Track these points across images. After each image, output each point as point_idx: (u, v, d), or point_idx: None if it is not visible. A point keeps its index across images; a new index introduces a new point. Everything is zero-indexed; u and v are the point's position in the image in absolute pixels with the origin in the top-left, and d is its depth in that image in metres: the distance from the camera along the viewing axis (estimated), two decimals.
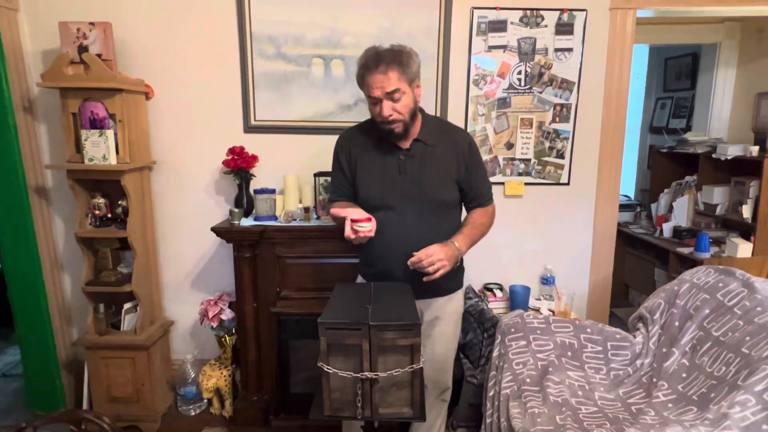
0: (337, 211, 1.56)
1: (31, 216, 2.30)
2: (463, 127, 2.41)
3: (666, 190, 3.56)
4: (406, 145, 1.63)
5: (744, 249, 2.74)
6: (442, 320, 1.72)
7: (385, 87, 1.49)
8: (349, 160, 1.69)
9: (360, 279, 1.81)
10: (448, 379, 1.82)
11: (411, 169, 1.62)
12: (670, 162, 3.68)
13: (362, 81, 1.54)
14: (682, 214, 3.32)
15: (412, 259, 1.50)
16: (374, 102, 1.53)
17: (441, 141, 1.64)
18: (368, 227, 1.50)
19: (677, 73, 3.98)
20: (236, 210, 2.17)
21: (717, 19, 3.20)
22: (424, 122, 1.65)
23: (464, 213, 1.76)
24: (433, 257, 1.48)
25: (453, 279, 1.73)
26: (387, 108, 1.50)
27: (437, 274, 1.50)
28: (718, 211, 3.07)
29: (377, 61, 1.49)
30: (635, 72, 4.20)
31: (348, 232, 1.49)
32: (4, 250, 2.32)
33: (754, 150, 2.81)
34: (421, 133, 1.63)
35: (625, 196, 4.18)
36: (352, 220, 1.49)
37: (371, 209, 1.60)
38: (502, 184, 2.48)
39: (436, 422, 1.85)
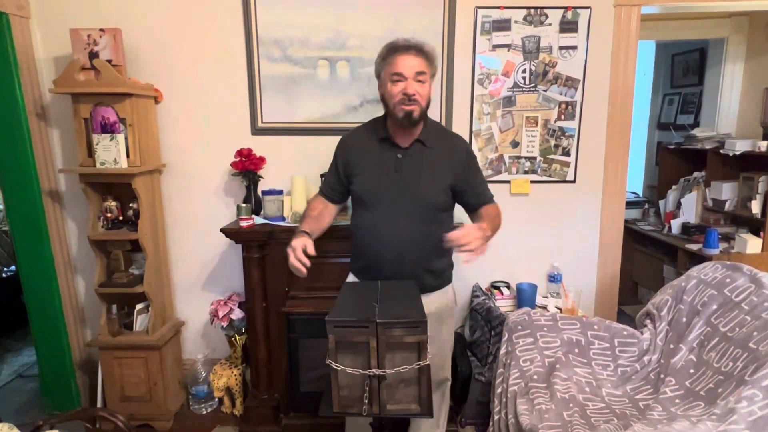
0: (306, 221, 1.66)
1: (45, 219, 2.35)
2: (468, 125, 2.43)
3: (674, 187, 3.54)
4: (405, 144, 1.65)
5: (753, 245, 2.72)
6: (431, 315, 1.70)
7: (414, 67, 1.54)
8: (345, 161, 1.72)
9: (351, 277, 1.79)
10: (446, 371, 1.86)
11: (406, 168, 1.63)
12: (678, 158, 3.66)
13: (388, 59, 1.57)
14: (690, 210, 3.30)
15: (450, 236, 1.42)
16: (398, 80, 1.55)
17: (440, 145, 1.66)
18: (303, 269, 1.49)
19: (684, 68, 3.95)
20: (243, 205, 2.19)
21: (724, 14, 3.18)
22: (427, 125, 1.67)
23: (456, 219, 1.77)
24: (470, 236, 1.41)
25: (441, 276, 1.75)
26: (412, 86, 1.54)
27: (475, 252, 1.41)
28: (727, 206, 3.05)
29: (408, 45, 1.56)
30: (642, 68, 4.18)
31: (292, 259, 1.48)
32: (19, 253, 2.37)
33: (763, 145, 2.78)
34: (422, 134, 1.65)
35: (633, 193, 4.16)
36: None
37: (365, 204, 1.64)
38: (508, 182, 2.49)
39: (440, 414, 1.90)
